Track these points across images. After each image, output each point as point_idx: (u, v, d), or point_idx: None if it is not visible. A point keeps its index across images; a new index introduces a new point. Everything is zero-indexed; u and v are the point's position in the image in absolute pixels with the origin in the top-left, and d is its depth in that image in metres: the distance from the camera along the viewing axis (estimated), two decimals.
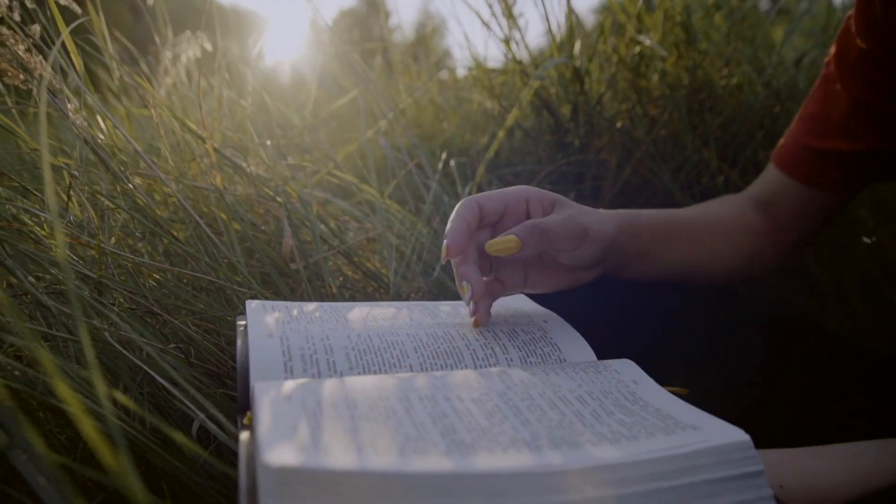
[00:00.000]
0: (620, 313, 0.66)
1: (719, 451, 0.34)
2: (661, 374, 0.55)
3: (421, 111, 1.30)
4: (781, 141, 0.69)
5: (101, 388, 0.26)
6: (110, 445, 0.25)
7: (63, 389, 0.23)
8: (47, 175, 0.28)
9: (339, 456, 0.27)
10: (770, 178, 0.70)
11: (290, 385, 0.35)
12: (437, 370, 0.44)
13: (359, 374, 0.42)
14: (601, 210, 0.57)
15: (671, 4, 0.90)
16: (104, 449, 0.23)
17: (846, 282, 0.88)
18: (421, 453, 0.29)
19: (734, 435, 0.35)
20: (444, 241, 0.48)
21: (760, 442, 0.48)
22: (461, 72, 1.31)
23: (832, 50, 0.64)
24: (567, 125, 0.97)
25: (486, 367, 0.45)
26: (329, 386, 0.36)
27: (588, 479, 0.30)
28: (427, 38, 1.69)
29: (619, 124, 0.93)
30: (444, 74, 1.34)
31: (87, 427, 0.23)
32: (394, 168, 0.89)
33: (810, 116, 0.66)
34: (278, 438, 0.28)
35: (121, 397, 0.35)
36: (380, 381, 0.38)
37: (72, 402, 0.23)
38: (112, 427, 0.25)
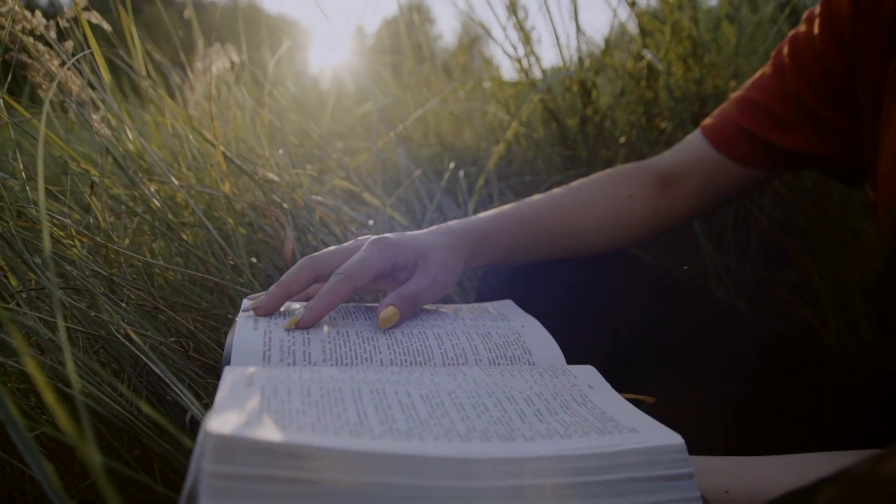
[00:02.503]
0: (598, 320, 0.68)
1: (648, 452, 0.35)
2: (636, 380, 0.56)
3: (441, 121, 1.34)
4: (715, 117, 0.69)
5: (70, 365, 0.30)
6: (72, 413, 0.29)
7: (30, 365, 0.27)
8: (40, 181, 0.32)
9: (273, 431, 0.30)
10: (692, 151, 0.70)
11: (255, 371, 0.39)
12: (407, 366, 0.47)
13: (332, 365, 0.45)
14: (458, 231, 0.61)
15: (679, 17, 0.91)
16: (62, 415, 0.27)
17: (848, 295, 0.87)
18: (354, 436, 0.32)
19: (667, 438, 0.36)
20: (300, 314, 0.50)
21: (722, 448, 0.49)
22: (485, 84, 1.34)
23: (788, 37, 0.64)
24: (575, 137, 0.99)
25: (454, 366, 0.48)
26: (290, 374, 0.39)
27: (506, 469, 0.32)
28: (459, 51, 1.72)
29: (622, 138, 0.94)
30: (486, 84, 1.37)
31: (49, 396, 0.27)
32: (402, 178, 0.93)
33: (753, 102, 0.66)
34: (226, 411, 0.32)
35: (112, 358, 0.39)
36: (339, 373, 0.41)
37: (37, 376, 0.27)
38: (77, 399, 0.29)
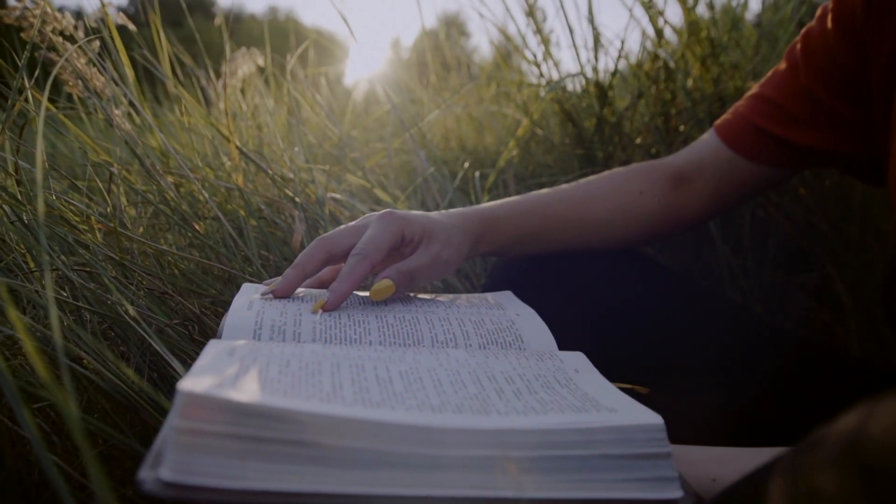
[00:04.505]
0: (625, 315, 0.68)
1: (624, 430, 0.35)
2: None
3: (463, 126, 1.35)
4: (728, 115, 0.68)
5: (55, 323, 0.31)
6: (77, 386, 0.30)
7: (13, 315, 0.29)
8: (39, 174, 0.34)
9: (243, 392, 0.31)
10: (705, 149, 0.70)
11: (239, 344, 0.40)
12: (393, 346, 0.47)
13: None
14: (467, 214, 0.62)
15: (696, 17, 0.90)
16: (41, 365, 0.28)
17: (871, 300, 0.84)
18: (325, 402, 0.33)
19: (645, 417, 0.36)
20: (324, 297, 0.51)
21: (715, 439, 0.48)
22: (505, 88, 1.35)
23: (802, 33, 0.63)
24: (592, 138, 0.98)
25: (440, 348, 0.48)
26: (273, 348, 0.40)
27: (476, 440, 0.32)
28: (490, 65, 1.73)
29: (638, 140, 0.94)
30: (506, 88, 1.37)
31: (29, 346, 0.28)
32: (417, 177, 0.94)
33: (765, 98, 0.65)
34: (201, 374, 0.33)
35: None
36: (321, 349, 0.42)
37: (19, 327, 0.29)
38: (60, 358, 0.30)
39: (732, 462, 0.42)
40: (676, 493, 0.34)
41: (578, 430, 0.34)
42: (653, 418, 0.36)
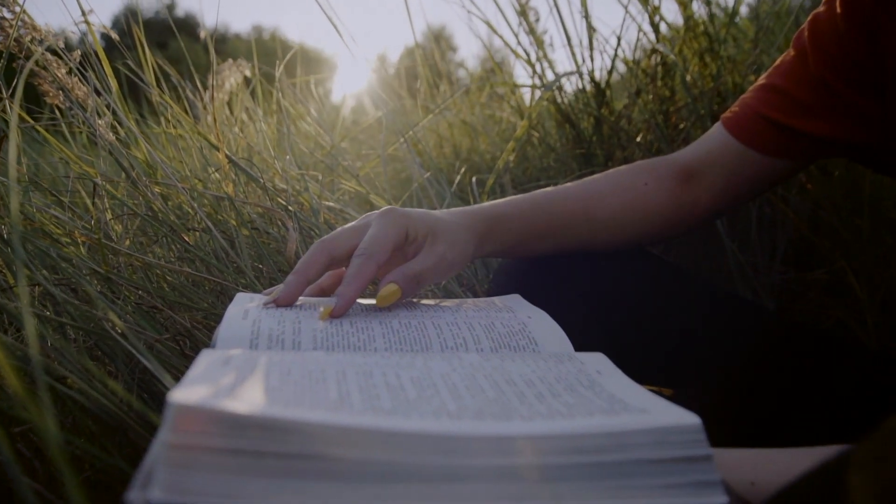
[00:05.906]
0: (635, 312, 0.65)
1: (659, 431, 0.32)
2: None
3: (456, 133, 1.33)
4: (735, 107, 0.66)
5: (31, 333, 0.28)
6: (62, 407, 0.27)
7: None
8: (13, 180, 0.31)
9: (241, 403, 0.28)
10: (713, 144, 0.67)
11: (235, 353, 0.37)
12: (401, 352, 0.44)
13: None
14: (472, 212, 0.59)
15: (693, 12, 0.89)
16: (15, 382, 0.25)
17: (886, 293, 0.81)
18: (332, 412, 0.30)
19: (681, 418, 0.33)
20: (332, 303, 0.48)
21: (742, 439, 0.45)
22: (498, 89, 1.33)
23: (809, 18, 0.61)
24: (590, 138, 0.96)
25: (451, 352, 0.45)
26: (272, 356, 0.37)
27: (500, 447, 0.29)
28: (481, 74, 1.72)
29: (638, 138, 0.91)
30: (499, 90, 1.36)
31: (4, 364, 0.25)
32: (411, 183, 0.91)
33: (773, 88, 0.63)
34: (194, 385, 0.30)
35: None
36: (325, 356, 0.38)
37: None
38: (38, 374, 0.27)
39: (769, 464, 0.39)
40: (721, 499, 0.31)
41: (610, 434, 0.31)
42: (689, 418, 0.33)
